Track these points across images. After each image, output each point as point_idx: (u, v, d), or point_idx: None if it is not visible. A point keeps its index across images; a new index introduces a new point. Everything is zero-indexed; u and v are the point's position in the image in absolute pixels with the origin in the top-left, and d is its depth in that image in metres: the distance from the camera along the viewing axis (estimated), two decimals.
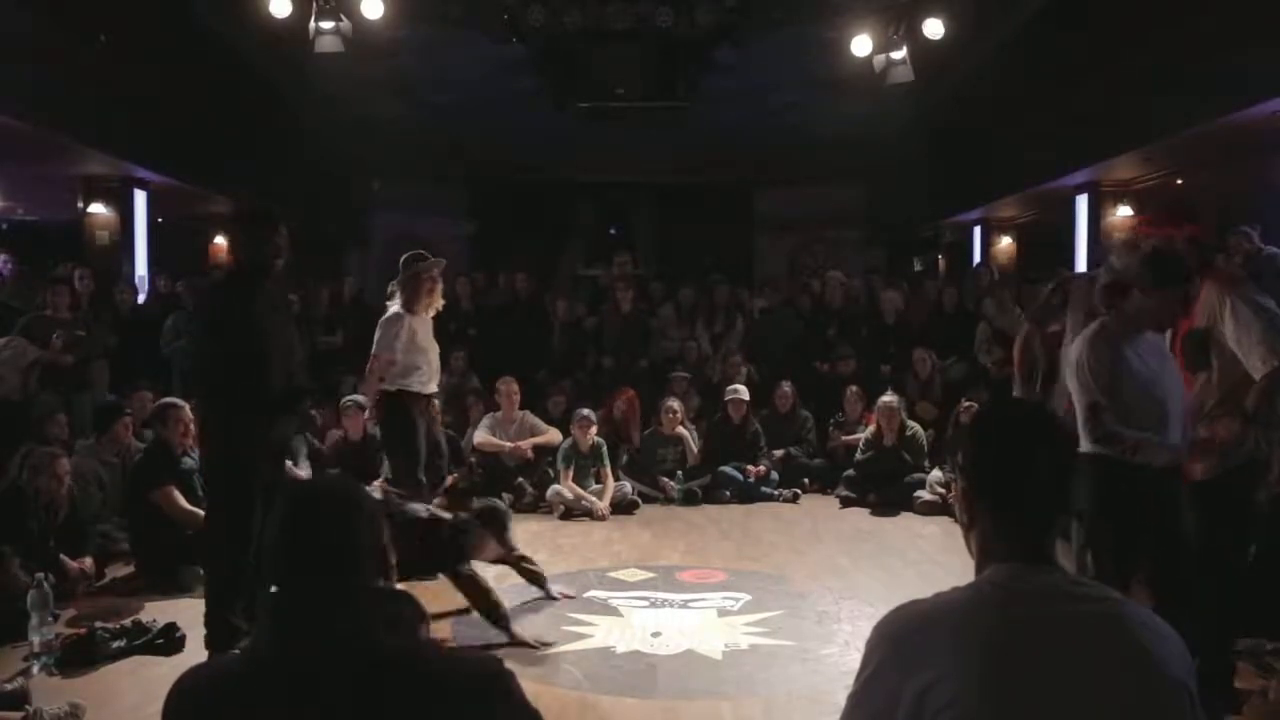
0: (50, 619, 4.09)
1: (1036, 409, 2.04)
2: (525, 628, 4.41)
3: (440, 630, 4.42)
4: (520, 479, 7.29)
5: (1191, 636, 1.49)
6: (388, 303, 5.53)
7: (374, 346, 5.36)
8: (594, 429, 7.22)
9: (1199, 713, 1.40)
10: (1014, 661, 1.34)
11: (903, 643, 1.41)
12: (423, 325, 5.44)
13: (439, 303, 5.56)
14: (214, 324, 4.16)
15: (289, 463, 6.62)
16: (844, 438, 7.90)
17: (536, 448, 7.41)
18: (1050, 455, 1.50)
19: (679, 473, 7.55)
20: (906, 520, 6.88)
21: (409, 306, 5.38)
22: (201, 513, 5.32)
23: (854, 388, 8.04)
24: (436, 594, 4.95)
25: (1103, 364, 3.26)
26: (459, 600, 4.93)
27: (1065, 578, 1.45)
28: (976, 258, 12.92)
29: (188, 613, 4.56)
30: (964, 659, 1.34)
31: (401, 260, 5.50)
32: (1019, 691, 1.33)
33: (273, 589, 1.47)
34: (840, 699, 1.53)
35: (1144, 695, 1.35)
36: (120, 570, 5.35)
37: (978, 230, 13.18)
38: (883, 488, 7.28)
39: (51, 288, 7.46)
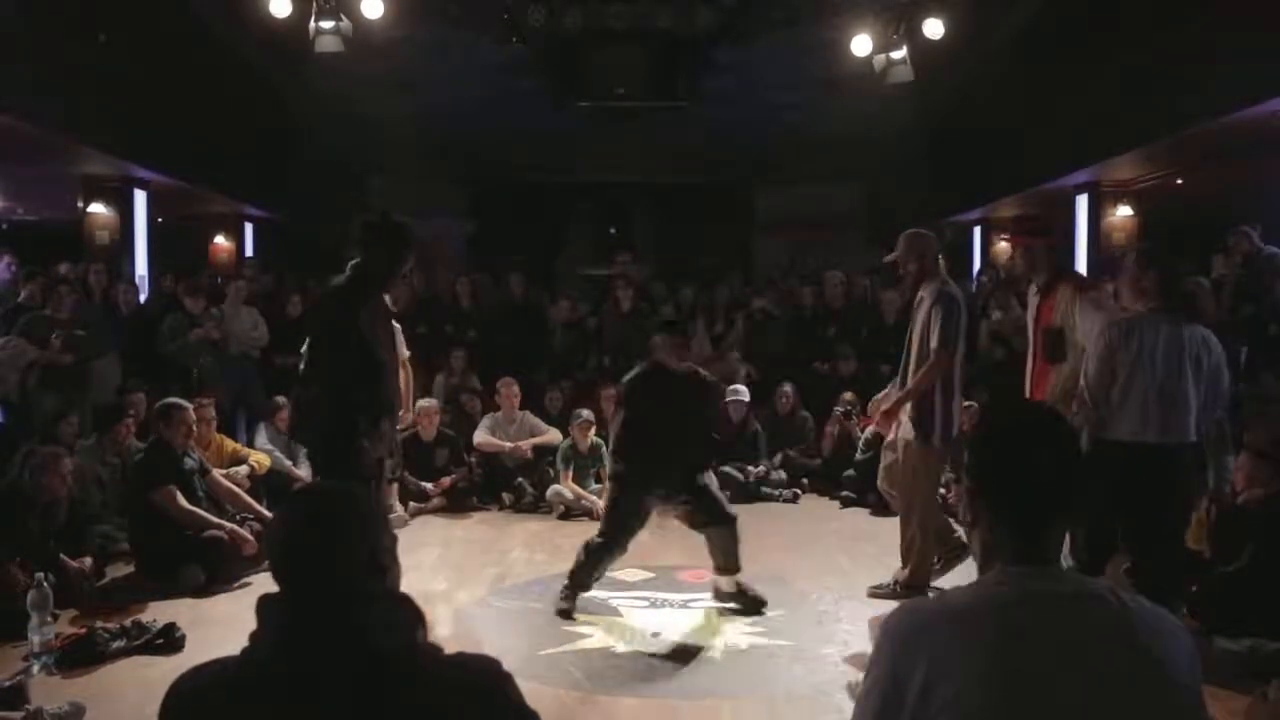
0: (50, 619, 4.09)
1: (1041, 409, 2.05)
2: (527, 628, 4.41)
3: (439, 632, 4.42)
4: (520, 479, 7.28)
5: None
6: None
7: None
8: (594, 430, 7.22)
9: (1203, 712, 1.40)
10: (1018, 660, 1.34)
11: (908, 640, 1.42)
12: None
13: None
14: (342, 330, 4.20)
15: (289, 463, 6.63)
16: (832, 430, 7.86)
17: (536, 448, 7.40)
18: (1054, 456, 1.49)
19: None
20: None
21: None
22: (201, 513, 5.34)
23: (849, 394, 7.97)
24: (437, 594, 4.97)
25: None
26: (459, 600, 4.95)
27: (1070, 578, 1.45)
28: (976, 258, 12.92)
29: (188, 613, 4.58)
30: (968, 657, 1.35)
31: None
32: (1023, 690, 1.33)
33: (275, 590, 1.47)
34: (840, 699, 1.54)
35: (1150, 695, 1.34)
36: (120, 570, 5.35)
37: (978, 230, 13.18)
38: None
39: (52, 288, 7.41)
